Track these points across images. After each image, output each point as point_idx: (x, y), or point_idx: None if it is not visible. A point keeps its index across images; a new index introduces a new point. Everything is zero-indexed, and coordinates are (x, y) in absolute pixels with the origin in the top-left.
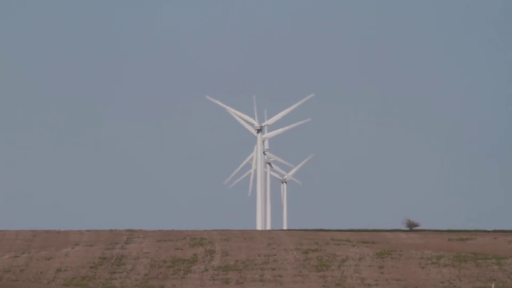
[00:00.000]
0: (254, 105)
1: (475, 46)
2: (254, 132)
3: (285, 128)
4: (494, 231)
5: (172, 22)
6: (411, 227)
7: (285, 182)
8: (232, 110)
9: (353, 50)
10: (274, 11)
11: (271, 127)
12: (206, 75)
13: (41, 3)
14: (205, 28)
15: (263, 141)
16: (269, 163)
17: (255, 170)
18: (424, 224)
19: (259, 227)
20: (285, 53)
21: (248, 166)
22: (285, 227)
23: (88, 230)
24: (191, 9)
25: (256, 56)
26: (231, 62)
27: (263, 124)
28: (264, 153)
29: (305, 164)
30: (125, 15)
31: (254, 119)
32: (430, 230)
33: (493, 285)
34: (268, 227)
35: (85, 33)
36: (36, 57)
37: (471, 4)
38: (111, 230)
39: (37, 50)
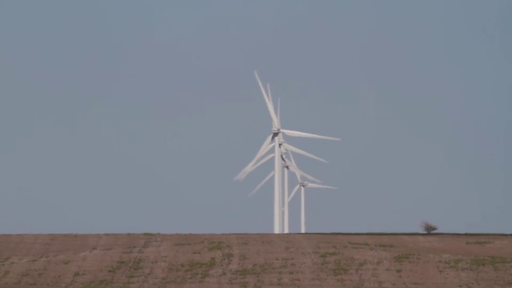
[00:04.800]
0: (278, 107)
1: (475, 46)
2: (274, 129)
3: (306, 153)
4: None
5: (173, 23)
6: (429, 230)
7: (303, 185)
8: (267, 99)
9: (357, 51)
10: (275, 11)
11: (287, 138)
12: (211, 77)
13: (41, 4)
14: (207, 29)
15: (280, 145)
16: (287, 167)
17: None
18: (442, 227)
19: (276, 230)
20: (286, 55)
21: (264, 168)
22: (303, 231)
23: (106, 234)
24: (192, 10)
25: (257, 58)
26: (231, 63)
27: (282, 130)
28: (282, 158)
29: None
30: (125, 16)
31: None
32: (448, 234)
33: None
34: (286, 231)
35: (87, 35)
36: (37, 58)
37: (472, 4)
38: (129, 234)
39: (37, 51)
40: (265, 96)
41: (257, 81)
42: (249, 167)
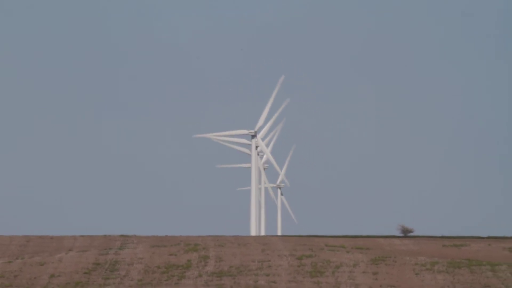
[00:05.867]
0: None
1: (475, 46)
2: (247, 141)
3: (272, 119)
4: (488, 237)
5: (173, 23)
6: (406, 233)
7: (280, 188)
8: (223, 138)
9: (354, 53)
10: (274, 11)
11: (262, 127)
12: (205, 77)
13: (41, 4)
14: (206, 30)
15: (256, 147)
16: (264, 169)
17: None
18: (418, 230)
19: (253, 233)
20: (284, 54)
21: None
22: (279, 233)
23: (82, 236)
24: (192, 10)
25: (256, 57)
26: (231, 63)
27: (256, 129)
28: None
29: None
30: (125, 16)
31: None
32: (424, 237)
33: None
34: (262, 233)
35: (87, 35)
36: (37, 58)
37: (472, 4)
38: (104, 236)
39: (38, 51)
40: (218, 139)
41: (202, 136)
42: (211, 135)
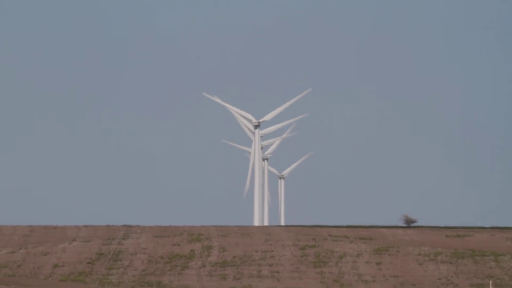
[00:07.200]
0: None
1: (475, 46)
2: (251, 127)
3: (283, 123)
4: (492, 228)
5: (173, 21)
6: (409, 223)
7: (283, 178)
8: (230, 107)
9: (354, 48)
10: (273, 9)
11: (269, 123)
12: (204, 71)
13: (42, 4)
14: (206, 27)
15: (261, 136)
16: (266, 159)
17: (253, 166)
18: (422, 220)
19: (256, 223)
20: (283, 51)
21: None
22: (282, 223)
23: (85, 226)
24: (192, 8)
25: (255, 54)
26: (230, 59)
27: (260, 120)
28: (262, 148)
29: (303, 160)
30: (126, 14)
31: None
32: (427, 227)
33: (490, 282)
34: (266, 223)
35: (87, 35)
36: (37, 58)
37: (472, 4)
38: (108, 226)
39: (38, 51)
40: (225, 105)
41: (211, 99)
42: (248, 184)
